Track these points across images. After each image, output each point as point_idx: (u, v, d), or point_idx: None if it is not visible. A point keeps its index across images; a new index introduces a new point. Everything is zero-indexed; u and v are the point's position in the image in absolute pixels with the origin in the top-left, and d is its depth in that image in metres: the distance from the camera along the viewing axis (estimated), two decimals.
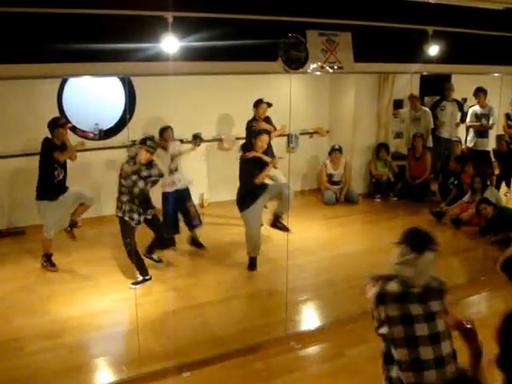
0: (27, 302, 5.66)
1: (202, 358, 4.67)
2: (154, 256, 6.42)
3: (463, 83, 9.61)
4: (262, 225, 6.88)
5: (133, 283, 5.96)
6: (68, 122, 6.69)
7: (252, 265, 6.55)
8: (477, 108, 9.23)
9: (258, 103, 8.10)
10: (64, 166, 6.42)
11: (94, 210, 7.83)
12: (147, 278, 6.01)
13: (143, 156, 5.87)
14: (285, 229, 6.63)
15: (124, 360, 4.67)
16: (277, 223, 6.79)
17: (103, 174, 8.07)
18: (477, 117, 9.21)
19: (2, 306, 5.56)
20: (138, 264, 5.97)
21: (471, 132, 9.45)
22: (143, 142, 5.93)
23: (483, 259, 7.11)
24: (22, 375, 4.43)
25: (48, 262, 6.49)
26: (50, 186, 6.31)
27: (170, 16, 3.98)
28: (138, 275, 5.98)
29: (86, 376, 4.54)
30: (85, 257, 6.81)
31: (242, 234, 6.58)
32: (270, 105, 8.10)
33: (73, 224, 6.82)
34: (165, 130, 7.23)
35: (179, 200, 7.06)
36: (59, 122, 6.42)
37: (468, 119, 9.39)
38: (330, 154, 9.72)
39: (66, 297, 5.77)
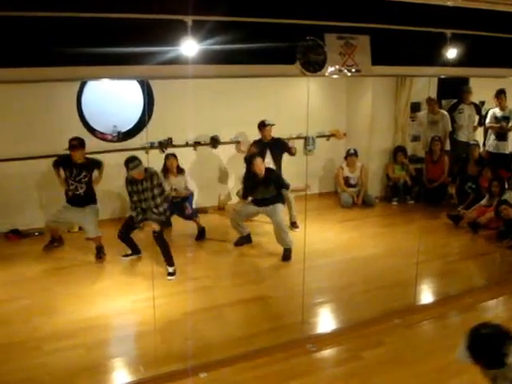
0: (45, 302, 5.72)
1: (219, 359, 4.68)
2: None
3: (481, 86, 9.54)
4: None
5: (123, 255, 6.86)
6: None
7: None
8: (497, 110, 9.16)
9: (261, 126, 8.13)
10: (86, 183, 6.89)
11: (119, 211, 7.91)
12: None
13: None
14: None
15: (141, 360, 4.70)
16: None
17: (121, 175, 8.13)
18: (496, 119, 9.15)
19: (21, 306, 5.62)
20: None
21: (490, 135, 9.38)
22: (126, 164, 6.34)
23: (500, 263, 7.06)
24: (40, 374, 4.47)
25: (48, 245, 7.16)
26: (66, 194, 6.98)
27: (189, 20, 4.01)
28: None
29: (104, 376, 4.57)
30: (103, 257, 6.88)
31: (260, 236, 6.59)
32: (272, 125, 8.14)
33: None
34: (167, 158, 7.76)
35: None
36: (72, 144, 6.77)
37: (487, 120, 9.32)
38: (345, 157, 9.72)
39: (83, 297, 5.82)
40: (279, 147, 8.13)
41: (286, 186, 7.56)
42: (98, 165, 7.10)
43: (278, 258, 6.84)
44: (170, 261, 6.36)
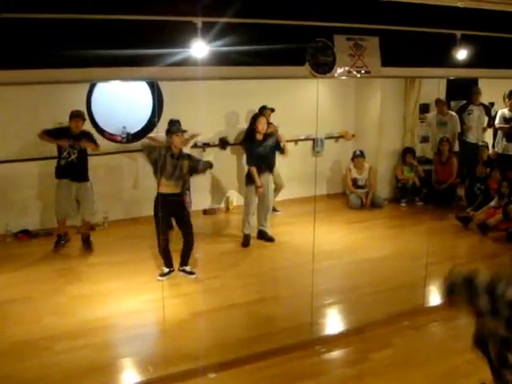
0: (56, 302, 5.75)
1: (228, 359, 4.69)
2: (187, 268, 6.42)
3: (490, 87, 9.52)
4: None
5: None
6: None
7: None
8: (506, 111, 9.12)
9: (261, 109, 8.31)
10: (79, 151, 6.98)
11: (129, 211, 7.93)
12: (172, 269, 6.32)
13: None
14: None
15: (150, 360, 4.72)
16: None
17: (131, 176, 8.17)
18: (506, 120, 9.11)
19: (32, 306, 5.66)
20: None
21: (499, 136, 9.35)
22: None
23: (510, 265, 7.02)
24: (51, 374, 4.49)
25: (56, 244, 7.12)
26: (58, 166, 7.06)
27: (199, 21, 4.03)
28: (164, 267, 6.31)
29: (113, 375, 4.60)
30: (113, 258, 6.90)
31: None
32: (272, 110, 8.35)
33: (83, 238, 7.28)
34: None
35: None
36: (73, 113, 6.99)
37: (497, 121, 9.28)
38: (352, 159, 9.71)
39: (94, 297, 5.85)
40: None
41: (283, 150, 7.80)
42: (88, 134, 7.18)
43: (287, 259, 6.84)
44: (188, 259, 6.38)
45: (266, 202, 7.56)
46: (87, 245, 7.10)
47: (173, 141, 6.14)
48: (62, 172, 7.02)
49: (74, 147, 6.92)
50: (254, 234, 7.68)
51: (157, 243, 6.23)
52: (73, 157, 6.92)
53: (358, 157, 9.59)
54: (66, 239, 7.34)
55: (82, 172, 7.08)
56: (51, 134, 6.94)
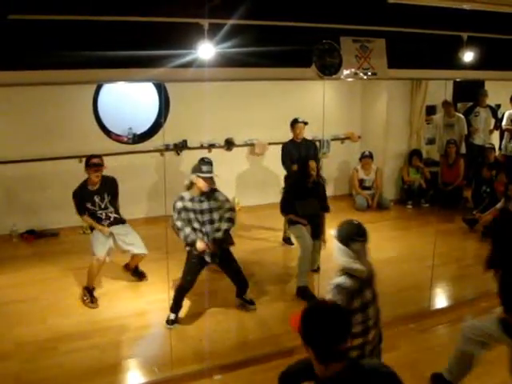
0: (62, 303, 5.78)
1: (233, 361, 4.70)
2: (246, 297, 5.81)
3: (497, 89, 9.50)
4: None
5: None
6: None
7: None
8: None
9: (293, 123, 7.43)
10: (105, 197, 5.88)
11: (134, 211, 7.92)
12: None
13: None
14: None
15: (156, 361, 4.71)
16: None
17: (137, 177, 8.18)
18: None
19: (37, 307, 5.68)
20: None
21: (506, 138, 9.32)
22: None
23: None
24: (56, 374, 4.52)
25: (87, 294, 5.82)
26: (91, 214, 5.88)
27: (205, 23, 4.04)
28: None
29: (118, 376, 4.61)
30: (119, 258, 6.89)
31: (275, 239, 6.53)
32: (306, 123, 7.40)
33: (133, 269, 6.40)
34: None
35: None
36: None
37: (504, 123, 9.27)
38: (360, 159, 9.71)
39: (100, 298, 5.85)
40: (312, 149, 7.47)
41: (327, 208, 6.44)
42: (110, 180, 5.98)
43: (291, 262, 6.82)
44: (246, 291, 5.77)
45: None
46: (139, 273, 6.43)
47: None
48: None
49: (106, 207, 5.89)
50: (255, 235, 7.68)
51: (179, 282, 5.43)
52: (112, 216, 5.94)
53: (366, 157, 9.57)
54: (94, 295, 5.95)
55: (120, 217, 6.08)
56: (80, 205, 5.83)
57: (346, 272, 3.43)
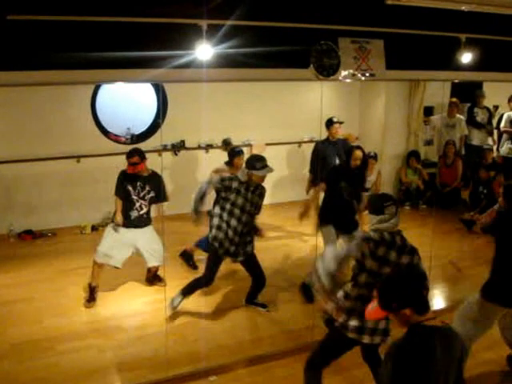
0: (58, 303, 5.77)
1: (229, 362, 4.71)
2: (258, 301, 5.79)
3: (495, 90, 9.50)
4: None
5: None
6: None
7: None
8: (511, 114, 9.11)
9: (329, 123, 7.26)
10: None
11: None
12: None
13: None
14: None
15: (152, 362, 4.71)
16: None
17: None
18: (511, 123, 9.09)
19: (34, 306, 5.68)
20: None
21: (504, 139, 9.33)
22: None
23: None
24: (52, 374, 4.51)
25: (87, 292, 5.84)
26: (124, 214, 5.78)
27: (204, 24, 4.03)
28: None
29: (114, 377, 4.60)
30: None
31: (275, 239, 6.51)
32: (341, 122, 7.29)
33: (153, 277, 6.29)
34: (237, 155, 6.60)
35: None
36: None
37: (502, 125, 9.27)
38: None
39: (96, 298, 5.83)
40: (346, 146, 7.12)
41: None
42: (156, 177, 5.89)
43: (287, 261, 6.82)
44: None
45: None
46: (158, 278, 6.26)
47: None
48: (128, 223, 5.81)
49: (144, 198, 5.80)
50: None
51: (205, 274, 5.39)
52: (144, 210, 5.85)
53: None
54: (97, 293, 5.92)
55: (150, 217, 5.98)
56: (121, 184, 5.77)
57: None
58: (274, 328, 5.37)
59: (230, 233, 5.21)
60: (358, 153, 5.87)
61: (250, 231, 5.40)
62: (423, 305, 2.69)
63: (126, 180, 5.73)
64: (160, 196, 5.80)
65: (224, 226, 5.23)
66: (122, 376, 4.65)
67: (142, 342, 5.12)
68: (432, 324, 2.68)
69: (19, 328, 5.23)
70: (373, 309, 2.74)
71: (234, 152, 6.67)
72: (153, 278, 6.26)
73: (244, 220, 5.23)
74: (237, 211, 5.19)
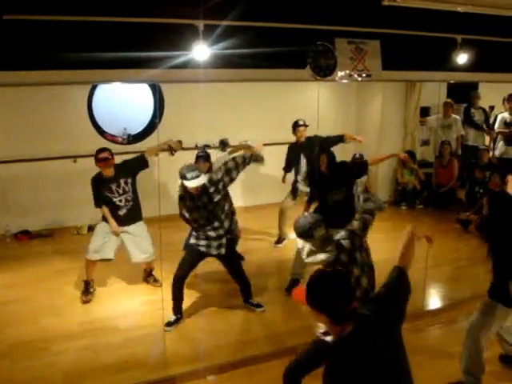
0: (55, 303, 5.76)
1: (227, 361, 4.70)
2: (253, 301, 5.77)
3: (490, 91, 9.52)
4: None
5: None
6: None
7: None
8: (506, 115, 9.12)
9: (294, 126, 7.49)
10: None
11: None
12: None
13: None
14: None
15: (149, 362, 4.71)
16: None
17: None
18: (506, 124, 9.11)
19: (30, 307, 5.66)
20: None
21: (499, 140, 9.35)
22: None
23: None
24: (48, 374, 4.51)
25: (83, 288, 5.88)
26: (114, 216, 5.80)
27: (201, 24, 4.04)
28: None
29: (111, 377, 4.57)
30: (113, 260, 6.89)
31: (271, 239, 6.49)
32: (306, 125, 7.47)
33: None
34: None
35: None
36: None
37: (496, 126, 9.29)
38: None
39: (93, 298, 5.86)
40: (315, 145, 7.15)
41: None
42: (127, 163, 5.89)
43: (282, 264, 6.81)
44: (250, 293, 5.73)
45: None
46: (153, 278, 6.28)
47: None
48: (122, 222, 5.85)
49: (125, 192, 5.79)
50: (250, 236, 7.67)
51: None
52: (129, 204, 5.85)
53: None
54: (93, 287, 6.01)
55: (138, 211, 6.02)
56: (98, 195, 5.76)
57: None
58: (272, 328, 5.37)
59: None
60: (322, 158, 6.18)
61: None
62: (339, 315, 2.61)
63: (101, 188, 5.71)
64: (138, 169, 5.87)
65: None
66: (118, 376, 4.63)
67: (139, 342, 5.11)
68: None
69: (16, 328, 5.22)
70: (300, 292, 2.69)
71: (196, 156, 6.66)
72: (147, 277, 6.28)
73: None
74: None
